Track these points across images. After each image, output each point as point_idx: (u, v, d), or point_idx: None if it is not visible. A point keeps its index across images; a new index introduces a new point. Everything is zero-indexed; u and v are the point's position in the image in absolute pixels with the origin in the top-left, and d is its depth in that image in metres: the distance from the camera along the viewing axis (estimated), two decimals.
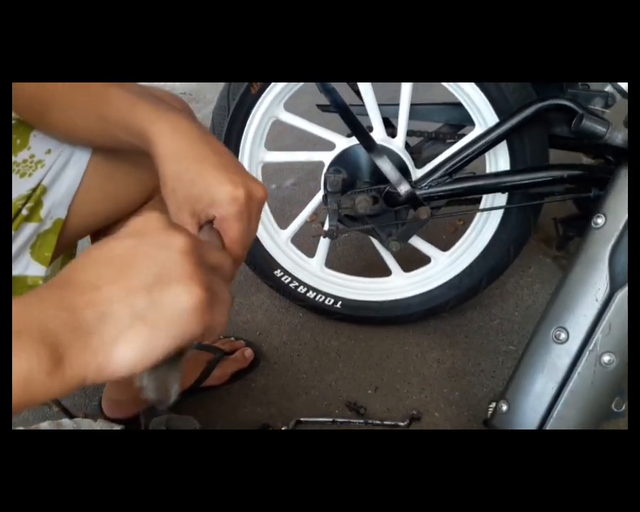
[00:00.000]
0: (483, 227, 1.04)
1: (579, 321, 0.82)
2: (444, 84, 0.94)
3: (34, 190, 0.63)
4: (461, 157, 0.91)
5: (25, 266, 0.65)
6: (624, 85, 0.85)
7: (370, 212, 0.97)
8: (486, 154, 0.96)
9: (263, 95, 0.96)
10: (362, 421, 0.98)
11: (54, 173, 0.64)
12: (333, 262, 1.18)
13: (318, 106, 1.10)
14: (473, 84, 0.90)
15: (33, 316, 0.28)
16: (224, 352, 1.07)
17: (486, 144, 0.90)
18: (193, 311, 0.31)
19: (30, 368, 0.27)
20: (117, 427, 0.87)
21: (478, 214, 1.04)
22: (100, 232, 0.74)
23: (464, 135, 1.00)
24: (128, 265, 0.31)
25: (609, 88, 0.86)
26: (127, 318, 0.30)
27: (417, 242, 1.08)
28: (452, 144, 0.99)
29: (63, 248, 0.70)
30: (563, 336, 0.84)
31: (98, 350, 0.29)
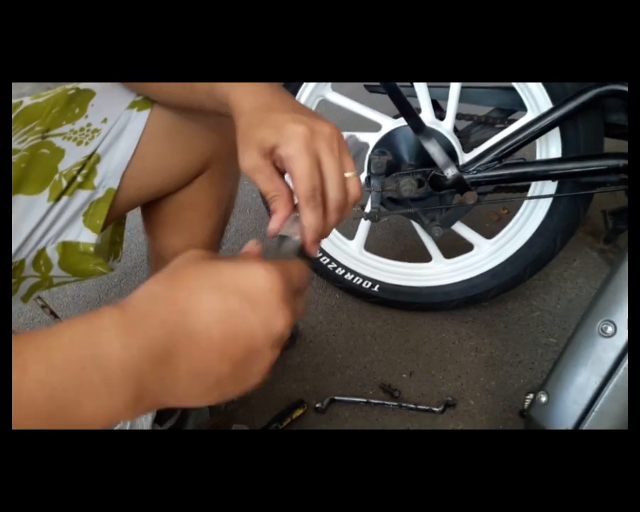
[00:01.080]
0: (530, 216, 1.02)
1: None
2: None
3: (89, 157, 0.65)
4: (511, 142, 0.89)
5: (78, 232, 0.67)
6: None
7: (415, 195, 0.96)
8: (537, 141, 0.94)
9: None
10: (395, 404, 0.99)
11: (108, 142, 0.66)
12: (372, 246, 1.17)
13: (366, 86, 1.09)
14: None
15: (130, 362, 0.30)
16: None
17: (539, 129, 0.87)
18: (260, 378, 0.34)
19: (116, 412, 0.30)
20: None
21: (526, 202, 1.01)
22: (152, 202, 0.76)
23: (514, 120, 0.97)
24: (231, 331, 0.32)
25: None
26: (209, 383, 0.33)
27: (460, 228, 1.06)
28: (502, 129, 0.96)
29: (114, 218, 0.72)
30: (610, 329, 0.82)
31: (172, 398, 0.32)
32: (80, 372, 0.29)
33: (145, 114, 0.67)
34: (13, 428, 0.27)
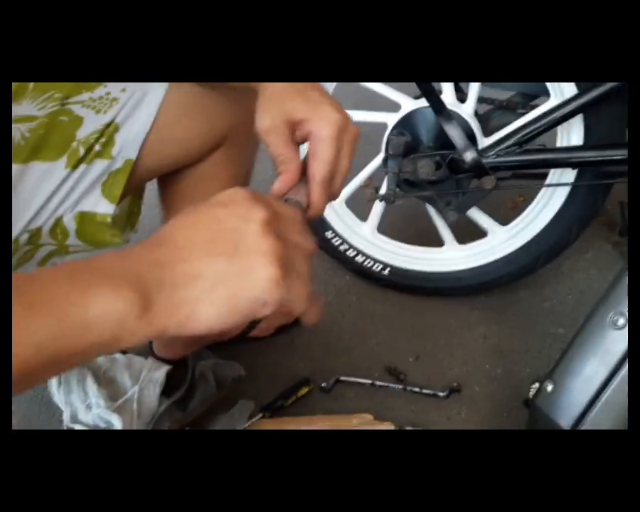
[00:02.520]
0: (547, 204, 1.00)
1: None
2: None
3: (107, 126, 0.64)
4: (532, 128, 0.88)
5: (96, 202, 0.66)
6: None
7: (432, 178, 0.95)
8: (559, 127, 0.92)
9: None
10: (401, 387, 0.99)
11: (127, 112, 0.65)
12: (385, 229, 1.17)
13: None
14: None
15: (126, 266, 0.31)
16: None
17: (561, 116, 0.86)
18: (267, 282, 0.33)
19: (124, 311, 0.30)
20: (166, 367, 0.91)
21: (543, 190, 1.00)
22: (169, 175, 0.75)
23: (536, 106, 0.96)
24: (213, 232, 0.34)
25: None
26: (210, 280, 0.32)
27: (476, 214, 1.05)
28: (523, 114, 0.95)
29: (132, 189, 0.71)
30: (621, 321, 0.81)
31: (182, 305, 0.32)
32: (81, 276, 0.30)
33: (164, 85, 0.66)
34: (16, 360, 0.27)
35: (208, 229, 0.34)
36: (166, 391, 0.89)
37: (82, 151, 0.63)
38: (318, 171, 0.44)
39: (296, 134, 0.46)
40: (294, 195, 0.44)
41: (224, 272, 0.33)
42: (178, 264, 0.32)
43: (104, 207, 0.67)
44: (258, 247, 0.33)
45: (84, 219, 0.67)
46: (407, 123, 0.97)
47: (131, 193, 0.73)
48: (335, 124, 0.44)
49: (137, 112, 0.66)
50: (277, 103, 0.46)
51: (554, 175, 0.99)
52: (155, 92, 0.66)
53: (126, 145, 0.66)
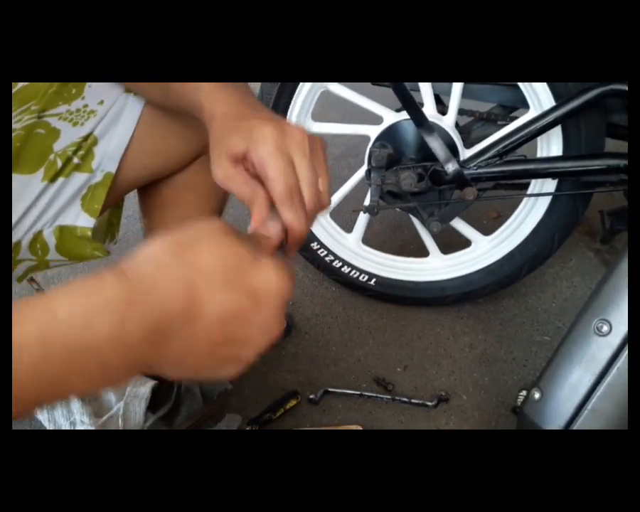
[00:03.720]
0: (528, 214, 1.02)
1: (624, 314, 0.80)
2: None
3: (85, 138, 0.64)
4: (513, 139, 0.89)
5: (76, 216, 0.66)
6: None
7: (414, 189, 0.96)
8: (538, 138, 0.94)
9: None
10: (389, 397, 0.99)
11: (106, 124, 0.65)
12: (370, 240, 1.17)
13: None
14: None
15: (130, 349, 0.30)
16: None
17: (541, 127, 0.87)
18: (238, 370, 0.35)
19: (110, 386, 0.32)
20: (151, 382, 0.90)
21: (525, 200, 1.02)
22: (148, 186, 0.75)
23: (515, 117, 0.97)
24: (223, 339, 0.33)
25: None
26: (196, 367, 0.34)
27: (459, 224, 1.06)
28: (503, 125, 0.96)
29: (112, 201, 0.71)
30: (605, 328, 0.82)
31: (162, 370, 0.33)
32: (75, 357, 0.29)
33: (142, 98, 0.66)
34: (16, 403, 0.27)
35: (230, 326, 0.33)
36: (152, 406, 0.88)
37: (59, 163, 0.63)
38: (274, 192, 0.42)
39: (250, 171, 0.45)
40: (273, 227, 0.42)
41: (215, 360, 0.34)
42: (179, 341, 0.32)
43: (84, 221, 0.66)
44: (259, 348, 0.34)
45: (65, 233, 0.66)
46: (389, 135, 0.98)
47: (110, 206, 0.73)
48: (270, 140, 0.42)
49: (116, 125, 0.66)
50: (221, 147, 0.45)
51: (535, 185, 1.00)
52: (134, 105, 0.66)
53: (106, 158, 0.66)
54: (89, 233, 0.67)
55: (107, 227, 0.75)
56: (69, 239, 0.67)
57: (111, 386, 0.31)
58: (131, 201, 0.79)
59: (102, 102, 0.64)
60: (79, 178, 0.65)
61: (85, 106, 0.64)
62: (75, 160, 0.64)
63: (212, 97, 0.48)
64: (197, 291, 0.31)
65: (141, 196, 0.80)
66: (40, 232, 0.65)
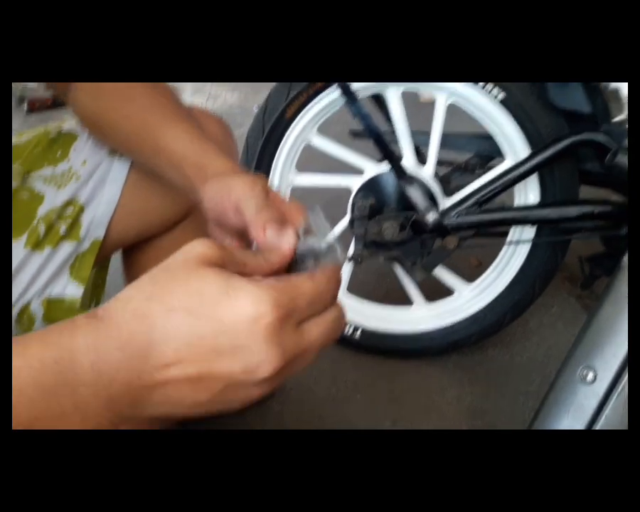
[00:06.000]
0: (509, 261, 1.03)
1: (608, 361, 0.80)
2: (477, 116, 0.95)
3: (69, 203, 0.63)
4: (491, 188, 0.91)
5: (64, 286, 0.64)
6: None
7: (397, 239, 0.96)
8: (516, 187, 0.96)
9: (297, 118, 0.97)
10: None
11: (91, 190, 0.64)
12: (354, 289, 1.16)
13: (351, 131, 1.11)
14: (509, 116, 0.91)
15: (105, 392, 0.29)
16: None
17: (517, 176, 0.90)
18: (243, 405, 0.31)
19: (94, 428, 0.30)
20: None
21: (505, 247, 1.03)
22: (132, 248, 0.74)
23: (493, 167, 1.00)
24: (201, 379, 0.30)
25: None
26: (185, 410, 0.31)
27: (442, 272, 1.06)
28: (481, 175, 0.99)
29: (97, 263, 0.70)
30: (591, 376, 0.81)
31: (152, 418, 0.31)
32: (52, 399, 0.28)
33: (127, 161, 0.66)
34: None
35: (202, 364, 0.30)
36: None
37: (42, 228, 0.61)
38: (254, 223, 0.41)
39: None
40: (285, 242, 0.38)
41: (203, 402, 0.31)
42: (156, 390, 0.30)
43: (72, 289, 0.65)
44: (252, 393, 0.31)
45: (52, 305, 0.64)
46: (371, 186, 0.99)
47: (96, 267, 0.71)
48: (252, 193, 0.43)
49: (102, 190, 0.65)
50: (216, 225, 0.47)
51: (514, 233, 1.02)
52: (119, 169, 0.65)
53: (93, 225, 0.65)
54: (78, 304, 0.65)
55: (93, 290, 0.73)
56: (57, 310, 0.64)
57: (100, 426, 0.29)
58: (113, 256, 0.78)
59: (84, 163, 0.64)
60: (66, 248, 0.63)
61: (70, 168, 0.64)
62: (62, 230, 0.63)
63: (203, 185, 0.48)
64: (156, 328, 0.29)
65: (124, 258, 0.78)
66: (27, 305, 0.62)
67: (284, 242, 0.37)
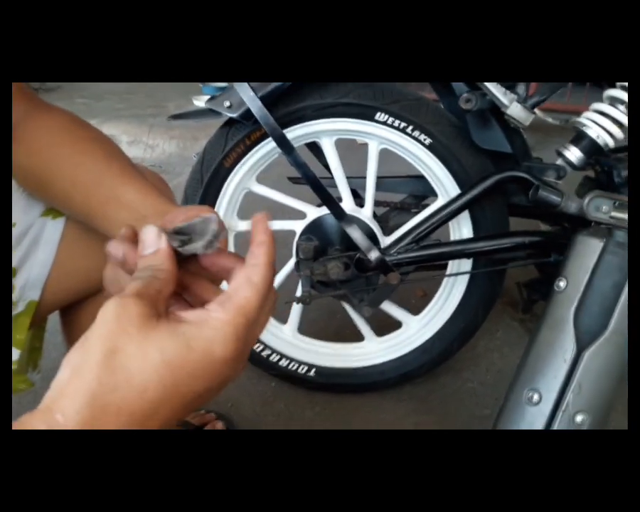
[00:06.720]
0: (451, 291, 1.07)
1: (550, 382, 0.83)
2: (408, 159, 0.99)
3: None
4: (426, 225, 0.95)
5: None
6: (573, 157, 0.91)
7: (342, 277, 0.99)
8: (450, 223, 1.01)
9: (236, 168, 0.99)
10: None
11: (24, 253, 0.63)
12: (306, 329, 1.17)
13: (289, 178, 1.14)
14: (436, 159, 0.96)
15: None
16: (194, 426, 1.03)
17: (450, 213, 0.94)
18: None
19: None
20: None
21: (446, 279, 1.07)
22: (70, 306, 0.73)
23: (427, 205, 1.04)
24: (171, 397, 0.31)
25: (559, 161, 0.93)
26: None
27: (388, 307, 1.09)
28: (417, 213, 1.03)
29: (33, 324, 0.68)
30: (536, 397, 0.85)
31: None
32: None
33: (61, 221, 0.65)
34: None
35: (167, 390, 0.31)
36: None
37: None
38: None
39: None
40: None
41: (174, 412, 0.32)
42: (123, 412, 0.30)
43: None
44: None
45: None
46: (313, 229, 1.01)
47: (32, 328, 0.70)
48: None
49: (36, 251, 0.64)
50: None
51: (453, 265, 1.06)
52: (53, 229, 0.64)
53: (28, 287, 0.64)
54: (15, 367, 0.63)
55: (29, 354, 0.71)
56: None
57: None
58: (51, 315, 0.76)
59: (14, 225, 0.63)
60: None
61: None
62: None
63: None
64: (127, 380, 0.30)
65: (62, 317, 0.77)
66: None
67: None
